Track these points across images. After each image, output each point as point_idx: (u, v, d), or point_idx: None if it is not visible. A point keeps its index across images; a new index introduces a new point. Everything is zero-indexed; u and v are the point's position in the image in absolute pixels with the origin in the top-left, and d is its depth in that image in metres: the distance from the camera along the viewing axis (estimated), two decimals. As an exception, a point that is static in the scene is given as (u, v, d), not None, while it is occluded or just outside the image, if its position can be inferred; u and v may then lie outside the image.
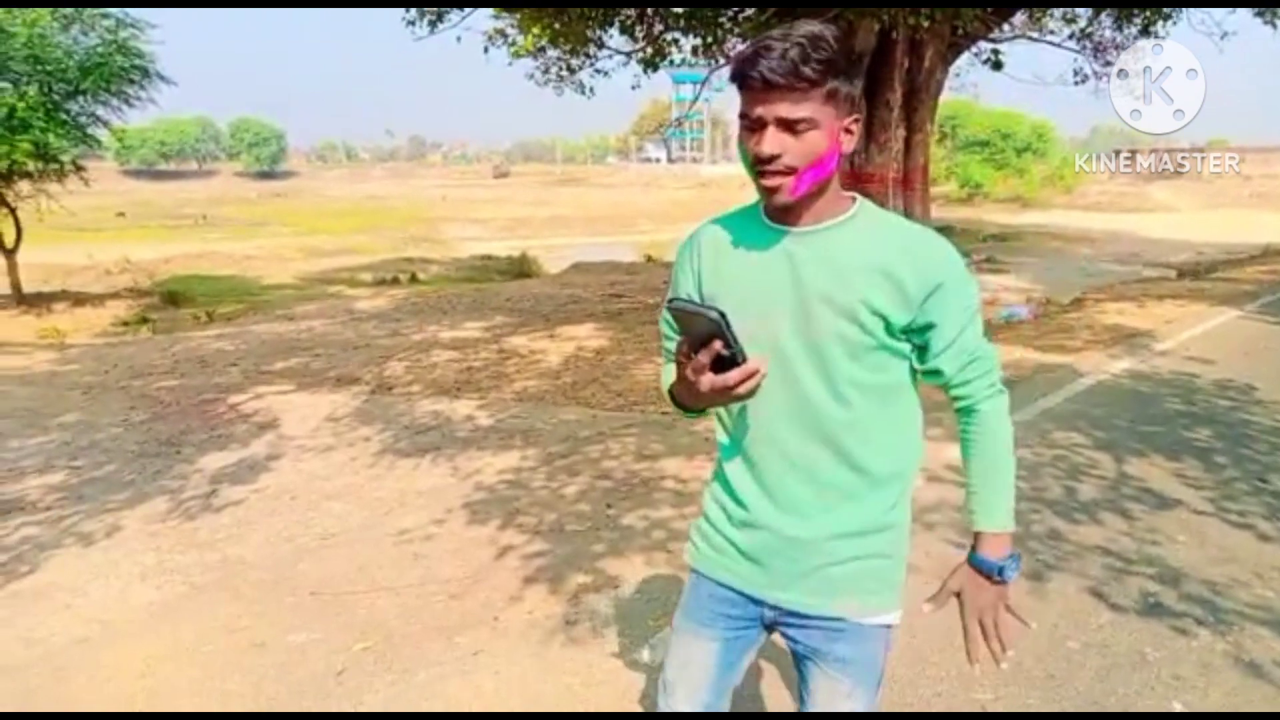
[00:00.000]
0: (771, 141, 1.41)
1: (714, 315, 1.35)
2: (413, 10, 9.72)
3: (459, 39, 10.05)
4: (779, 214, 1.52)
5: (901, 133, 11.55)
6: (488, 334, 10.75)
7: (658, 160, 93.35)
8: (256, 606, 3.56)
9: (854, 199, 1.54)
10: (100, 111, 16.88)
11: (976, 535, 1.62)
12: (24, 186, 16.54)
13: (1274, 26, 12.81)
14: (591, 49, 12.86)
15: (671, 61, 14.16)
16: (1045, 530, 4.03)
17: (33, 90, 15.48)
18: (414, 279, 22.21)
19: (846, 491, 1.56)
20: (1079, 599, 3.41)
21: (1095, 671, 2.92)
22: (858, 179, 11.38)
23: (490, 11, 10.38)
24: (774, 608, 1.64)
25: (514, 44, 9.80)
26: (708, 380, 1.41)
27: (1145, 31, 13.99)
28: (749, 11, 11.10)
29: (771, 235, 1.53)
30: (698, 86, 18.50)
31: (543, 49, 13.73)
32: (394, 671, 2.96)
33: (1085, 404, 6.31)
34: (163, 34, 20.96)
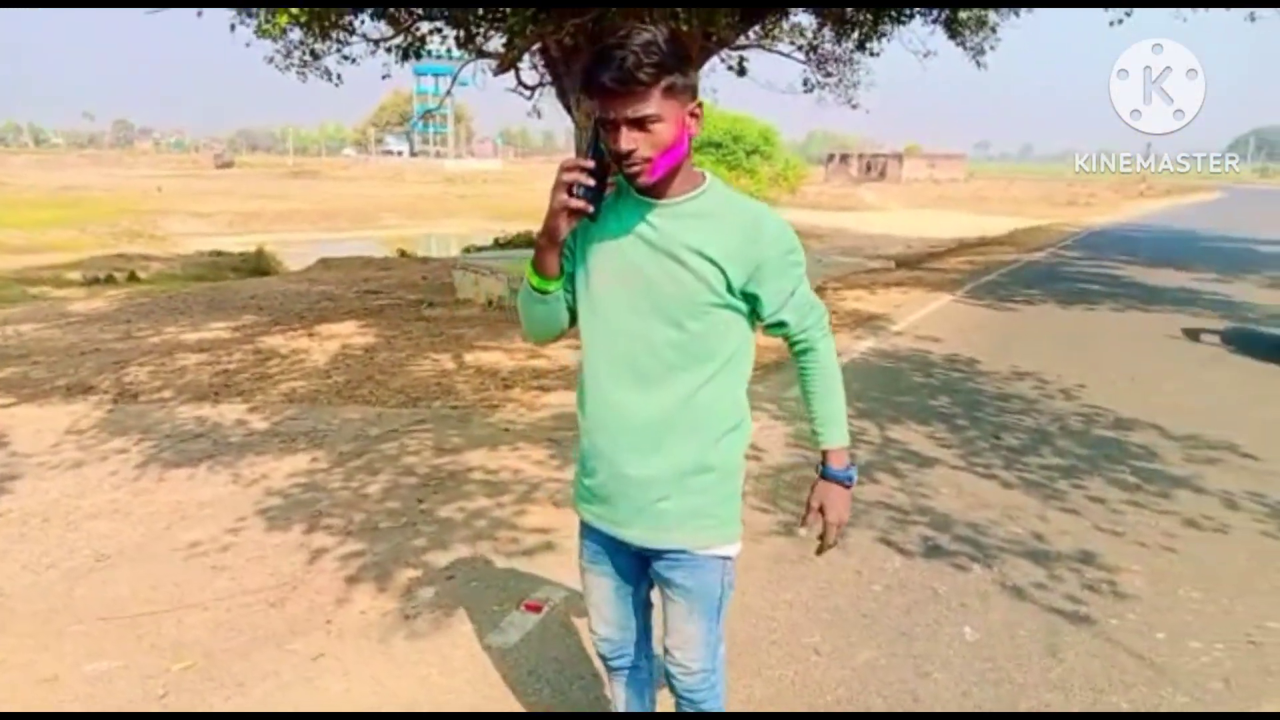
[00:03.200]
0: (625, 139, 1.64)
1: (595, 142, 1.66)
2: (143, -19, 8.80)
3: (200, 14, 9.21)
4: (642, 191, 1.74)
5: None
6: (238, 334, 9.99)
7: (399, 154, 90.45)
8: (32, 640, 3.14)
9: (704, 176, 1.79)
10: None
11: (825, 453, 1.92)
12: None
13: (963, 47, 14.73)
14: (342, 34, 12.28)
15: (429, 53, 13.86)
16: (835, 491, 4.43)
17: None
18: (133, 277, 20.06)
19: (677, 432, 1.79)
20: (874, 548, 3.81)
21: (900, 608, 3.29)
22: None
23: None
24: (629, 543, 1.89)
25: (265, 22, 9.13)
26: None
27: (861, 47, 15.53)
28: (511, 8, 11.10)
29: (634, 206, 1.76)
30: (448, 80, 18.19)
31: (284, 31, 12.92)
32: (226, 687, 2.74)
33: (845, 379, 6.93)
34: None
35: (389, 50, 13.94)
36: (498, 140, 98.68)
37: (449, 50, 13.15)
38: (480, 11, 11.01)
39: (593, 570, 2.02)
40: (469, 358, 8.23)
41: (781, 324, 1.81)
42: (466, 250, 20.68)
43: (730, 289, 1.73)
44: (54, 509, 4.57)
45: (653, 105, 1.61)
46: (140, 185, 57.34)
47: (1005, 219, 35.65)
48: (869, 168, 62.78)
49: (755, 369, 6.04)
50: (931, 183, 58.51)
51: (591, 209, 1.66)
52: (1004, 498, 4.46)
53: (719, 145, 47.40)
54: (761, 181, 48.37)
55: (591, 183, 1.65)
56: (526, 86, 16.81)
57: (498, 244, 20.70)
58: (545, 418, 6.02)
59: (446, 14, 11.51)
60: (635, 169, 1.66)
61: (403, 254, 21.45)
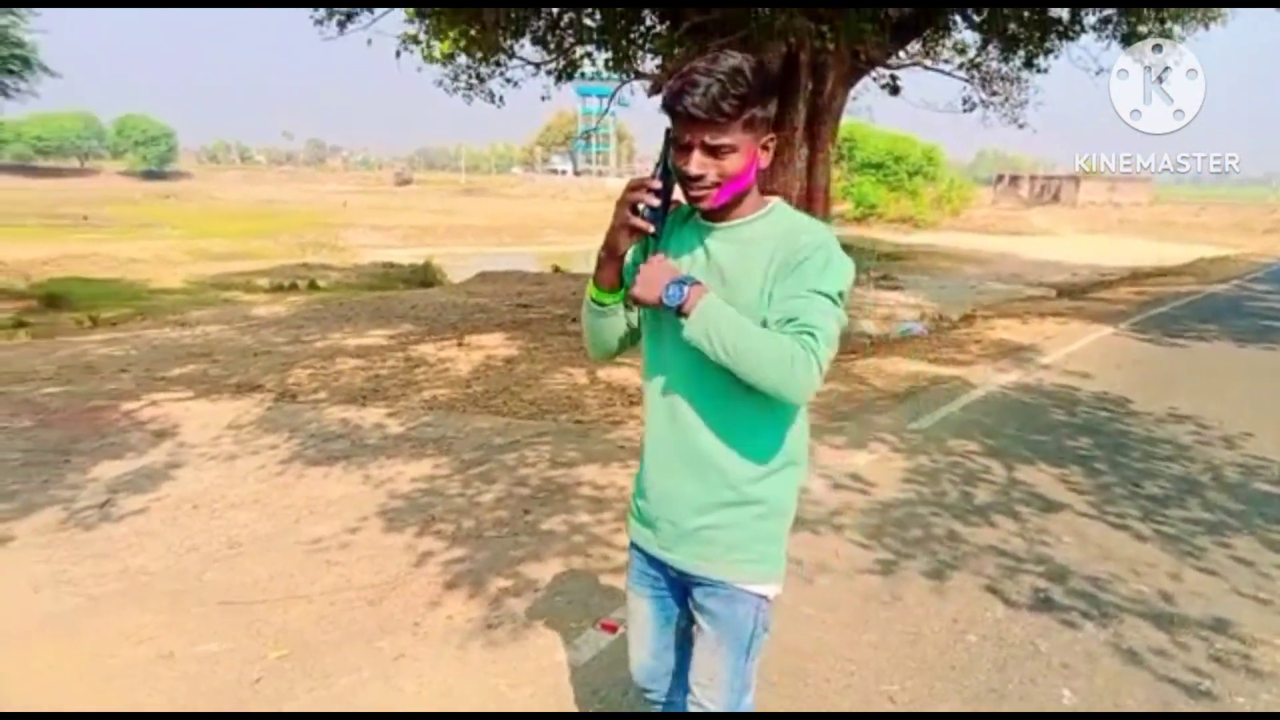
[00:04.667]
0: (696, 164, 1.64)
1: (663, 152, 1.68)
2: (321, 10, 9.54)
3: (369, 41, 9.91)
4: (706, 214, 1.75)
5: (804, 152, 11.92)
6: (394, 342, 10.58)
7: (563, 172, 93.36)
8: (162, 617, 3.45)
9: (769, 202, 1.77)
10: (-26, 101, 16.00)
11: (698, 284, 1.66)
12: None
13: (1141, 64, 13.77)
14: (503, 58, 12.85)
15: (583, 74, 14.28)
16: (944, 532, 4.25)
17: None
18: (313, 285, 21.63)
19: (720, 466, 1.77)
20: (976, 595, 3.62)
21: (993, 662, 3.11)
22: (763, 195, 11.70)
23: (403, 15, 10.27)
24: (671, 567, 1.88)
25: (427, 50, 9.70)
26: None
27: (1029, 64, 14.83)
28: (660, 29, 11.30)
29: (696, 229, 1.78)
30: (605, 100, 18.67)
31: (452, 56, 13.66)
32: (313, 678, 2.92)
33: (978, 414, 6.66)
34: (46, 23, 19.92)
35: (548, 73, 14.48)
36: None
37: (598, 73, 13.51)
38: (631, 34, 11.26)
39: (635, 591, 2.00)
40: (601, 373, 8.39)
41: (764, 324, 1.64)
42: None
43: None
44: (204, 497, 5.00)
45: (730, 136, 1.62)
46: (329, 200, 61.83)
47: (1191, 247, 33.01)
48: (1041, 190, 59.65)
49: (881, 397, 5.88)
50: (1111, 206, 54.92)
51: (652, 228, 1.68)
52: (1134, 551, 4.13)
53: (879, 166, 46.33)
54: (923, 204, 46.87)
55: (656, 202, 1.66)
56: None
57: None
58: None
59: (600, 37, 11.84)
60: (700, 194, 1.67)
61: (556, 269, 22.09)
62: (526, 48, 13.40)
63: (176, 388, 8.02)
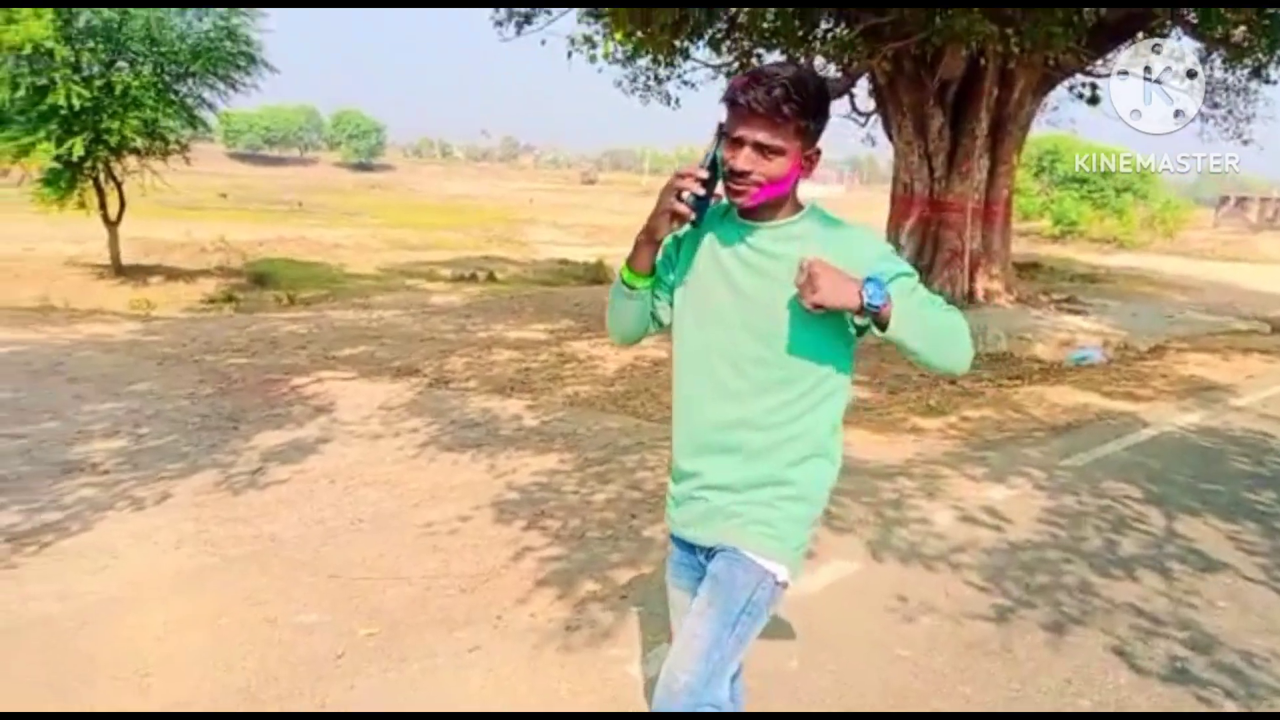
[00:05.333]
0: (745, 160, 1.71)
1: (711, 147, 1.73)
2: (501, 10, 9.92)
3: (543, 42, 10.22)
4: (743, 213, 1.81)
5: (985, 163, 11.31)
6: (551, 336, 10.85)
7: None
8: (278, 583, 3.67)
9: (805, 206, 1.81)
10: (206, 94, 17.66)
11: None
12: (131, 161, 17.34)
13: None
14: (678, 60, 12.92)
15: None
16: (1076, 582, 3.88)
17: (146, 70, 16.26)
18: (491, 277, 22.57)
19: (751, 448, 1.80)
20: (1099, 656, 3.27)
21: (1103, 734, 2.81)
22: (936, 207, 11.19)
23: (577, 15, 10.52)
24: (699, 548, 1.89)
25: (601, 51, 9.90)
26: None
27: (1256, 74, 13.45)
28: (835, 31, 11.02)
29: (734, 226, 1.83)
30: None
31: (631, 58, 13.87)
32: (390, 659, 3.02)
33: (1144, 455, 6.06)
34: (273, 22, 21.79)
35: (725, 75, 14.45)
36: (844, 167, 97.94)
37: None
38: (806, 37, 11.05)
39: (674, 584, 2.01)
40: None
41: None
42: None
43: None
44: (341, 473, 5.30)
45: (782, 139, 1.68)
46: (516, 197, 64.42)
47: None
48: (1275, 214, 53.82)
49: (1038, 428, 5.50)
50: (1358, 235, 48.78)
51: (694, 216, 1.73)
52: (1305, 628, 3.62)
53: (1083, 181, 43.30)
54: (1130, 223, 43.49)
55: (701, 191, 1.71)
56: (860, 113, 16.53)
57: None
58: (791, 452, 5.89)
59: (775, 40, 11.69)
60: (741, 189, 1.72)
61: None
62: (703, 50, 13.43)
63: (343, 367, 8.56)
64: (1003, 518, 4.57)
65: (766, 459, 1.80)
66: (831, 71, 14.46)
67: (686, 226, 1.78)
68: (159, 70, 16.44)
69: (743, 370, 1.79)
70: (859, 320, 1.69)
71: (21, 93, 14.48)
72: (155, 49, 16.22)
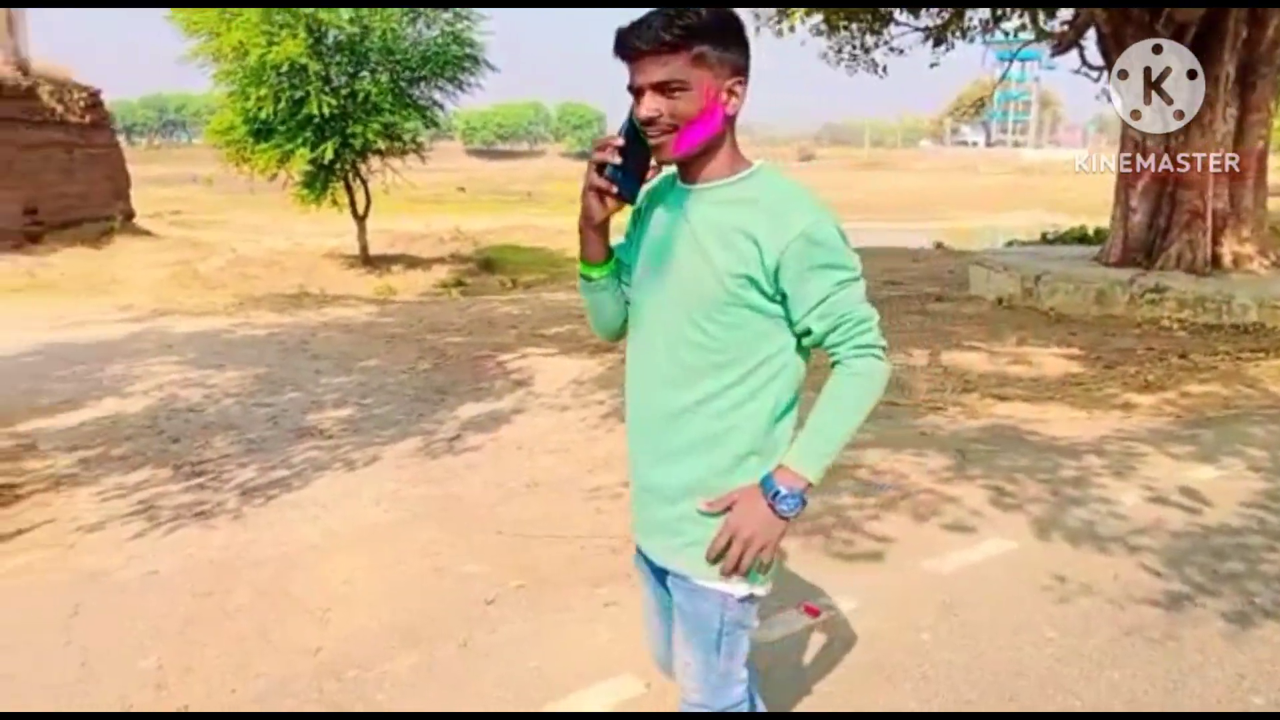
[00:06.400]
0: (648, 105, 1.55)
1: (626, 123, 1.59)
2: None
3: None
4: (682, 172, 1.66)
5: (1233, 113, 10.06)
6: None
7: (974, 144, 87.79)
8: (450, 538, 4.03)
9: (753, 164, 1.65)
10: (438, 96, 19.11)
11: (779, 465, 1.62)
12: (374, 162, 19.12)
13: None
14: (879, 26, 12.47)
15: (973, 39, 13.36)
16: (1277, 571, 3.47)
17: (385, 78, 17.85)
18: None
19: (690, 445, 1.65)
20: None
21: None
22: (1175, 163, 10.11)
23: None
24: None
25: (782, 25, 9.74)
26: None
27: None
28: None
29: (677, 193, 1.68)
30: (1033, 65, 17.24)
31: (833, 29, 13.53)
32: (532, 610, 3.25)
33: None
34: (494, 25, 23.23)
35: (935, 40, 13.78)
36: (1089, 127, 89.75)
37: (1006, 34, 12.50)
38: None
39: (641, 578, 1.91)
40: (946, 356, 7.94)
41: (808, 332, 1.61)
42: (1009, 244, 19.55)
43: (755, 284, 1.57)
44: (528, 440, 5.67)
45: (677, 69, 1.52)
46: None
47: None
48: None
49: (1271, 406, 5.10)
50: None
51: (615, 189, 1.60)
52: None
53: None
54: None
55: (618, 160, 1.58)
56: (1091, 67, 15.26)
57: (1044, 239, 19.16)
58: (976, 427, 5.63)
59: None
60: (656, 140, 1.57)
61: (939, 246, 21.01)
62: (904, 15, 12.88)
63: (547, 344, 9.07)
64: (1201, 500, 4.14)
65: (701, 460, 1.65)
66: (1056, 25, 13.40)
67: (627, 202, 1.65)
68: (395, 77, 17.99)
69: (677, 355, 1.64)
70: (796, 330, 1.61)
71: (282, 105, 16.35)
72: (391, 58, 17.75)
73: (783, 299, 1.59)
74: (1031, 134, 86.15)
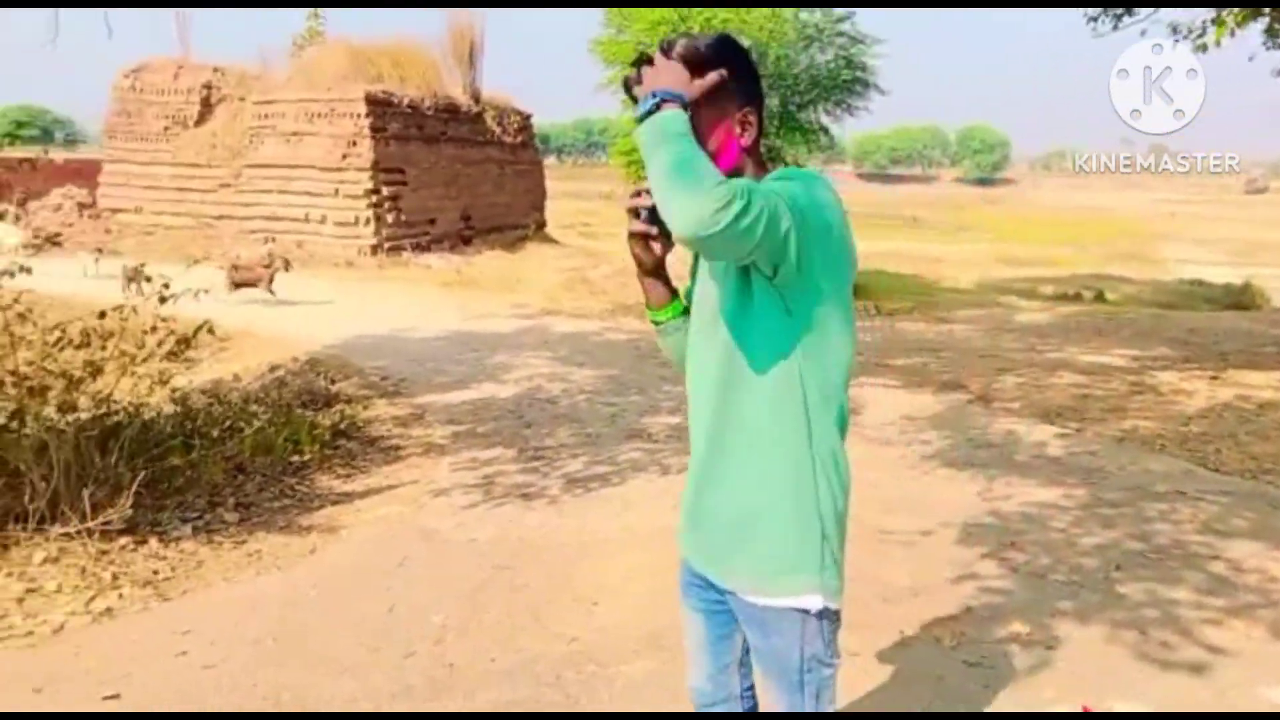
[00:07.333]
0: None
1: None
2: (1094, 9, 9.11)
3: (1143, 33, 9.05)
4: None
5: None
6: (1134, 364, 9.66)
7: None
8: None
9: (771, 170, 1.62)
10: (825, 119, 19.29)
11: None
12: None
13: None
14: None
15: None
16: None
17: (773, 102, 18.39)
18: (1100, 297, 20.61)
19: (745, 446, 1.61)
20: None
21: None
22: None
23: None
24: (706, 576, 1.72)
25: (1206, 39, 8.36)
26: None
27: None
28: None
29: None
30: None
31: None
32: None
33: None
34: (889, 47, 22.87)
35: None
36: None
37: None
38: None
39: (685, 604, 1.83)
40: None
41: None
42: None
43: (760, 272, 1.51)
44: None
45: None
46: (1156, 209, 57.28)
47: None
48: None
49: None
50: None
51: (653, 230, 1.62)
52: None
53: None
54: None
55: (650, 203, 1.58)
56: None
57: None
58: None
59: None
60: None
61: None
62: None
63: (889, 375, 8.79)
64: None
65: (745, 470, 1.61)
66: None
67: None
68: (784, 102, 18.45)
69: (708, 373, 1.64)
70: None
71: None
72: (781, 82, 18.24)
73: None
74: None
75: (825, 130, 19.69)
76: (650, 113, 1.46)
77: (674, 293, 1.77)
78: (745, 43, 1.94)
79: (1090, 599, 3.59)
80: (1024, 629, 3.30)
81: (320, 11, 23.68)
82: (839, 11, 18.08)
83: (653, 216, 1.62)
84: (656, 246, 1.68)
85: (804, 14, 17.99)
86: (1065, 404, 7.57)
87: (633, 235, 1.67)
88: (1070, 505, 4.81)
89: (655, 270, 1.73)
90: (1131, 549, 4.14)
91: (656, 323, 1.80)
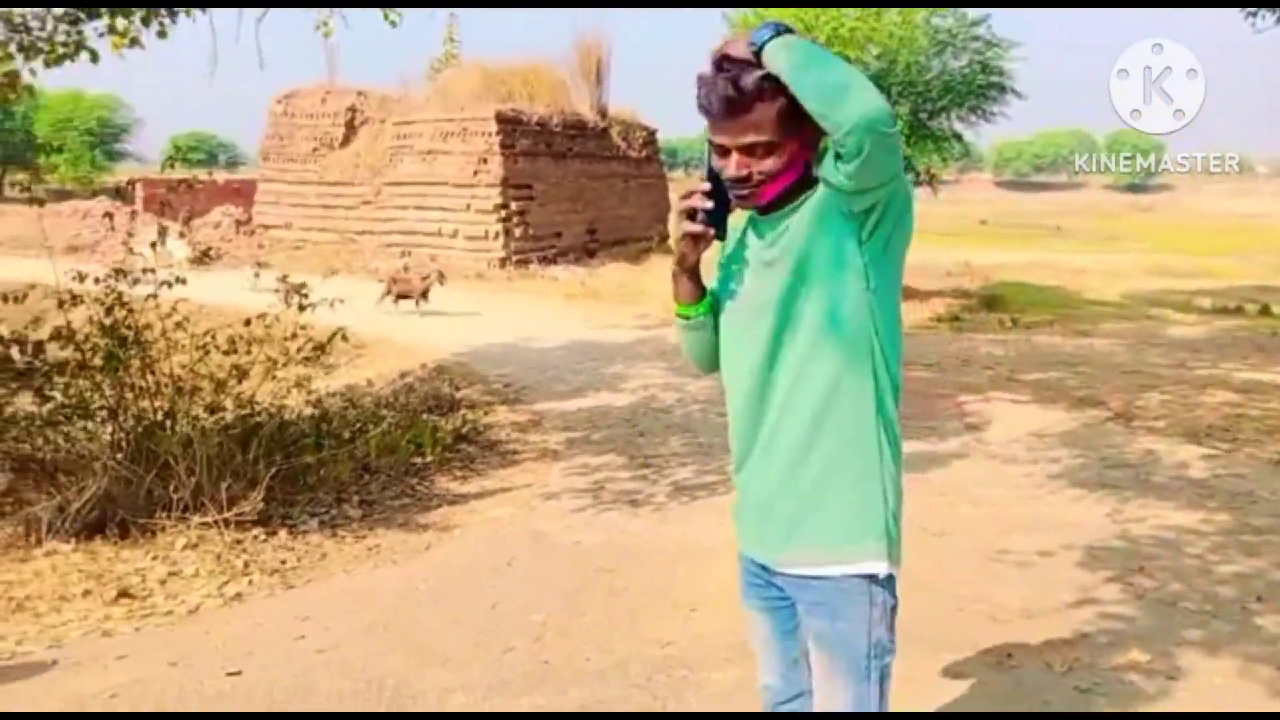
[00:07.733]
0: (737, 165, 1.60)
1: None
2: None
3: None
4: (761, 208, 1.71)
5: None
6: (1298, 383, 8.92)
7: None
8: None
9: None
10: (959, 126, 18.65)
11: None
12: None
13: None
14: None
15: None
16: None
17: (905, 110, 17.94)
18: (1265, 311, 19.06)
19: (808, 423, 1.63)
20: None
21: None
22: None
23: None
24: (766, 566, 1.74)
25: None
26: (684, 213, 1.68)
27: None
28: None
29: (753, 223, 1.73)
30: None
31: None
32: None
33: None
34: (1027, 50, 21.92)
35: None
36: None
37: None
38: None
39: (748, 605, 1.86)
40: None
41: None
42: None
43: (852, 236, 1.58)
44: (954, 487, 5.37)
45: (764, 132, 1.56)
46: (1334, 215, 52.61)
47: None
48: None
49: None
50: None
51: (712, 231, 1.67)
52: None
53: None
54: None
55: (709, 205, 1.64)
56: None
57: None
58: None
59: None
60: (745, 193, 1.63)
61: None
62: None
63: (1021, 390, 8.42)
64: None
65: (807, 449, 1.64)
66: None
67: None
68: (914, 110, 17.96)
69: (751, 362, 1.67)
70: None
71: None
72: (913, 89, 17.78)
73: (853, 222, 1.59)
74: None
75: (959, 137, 19.04)
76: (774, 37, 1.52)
77: (703, 290, 1.81)
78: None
79: (1222, 629, 3.34)
80: (1144, 657, 3.10)
81: (456, 35, 24.71)
82: (973, 14, 17.50)
83: (709, 218, 1.67)
84: (702, 245, 1.72)
85: (936, 19, 17.50)
86: (1215, 423, 7.06)
87: (687, 235, 1.71)
88: (1210, 530, 4.49)
89: (693, 268, 1.79)
90: (1276, 579, 3.82)
91: (687, 317, 1.83)
